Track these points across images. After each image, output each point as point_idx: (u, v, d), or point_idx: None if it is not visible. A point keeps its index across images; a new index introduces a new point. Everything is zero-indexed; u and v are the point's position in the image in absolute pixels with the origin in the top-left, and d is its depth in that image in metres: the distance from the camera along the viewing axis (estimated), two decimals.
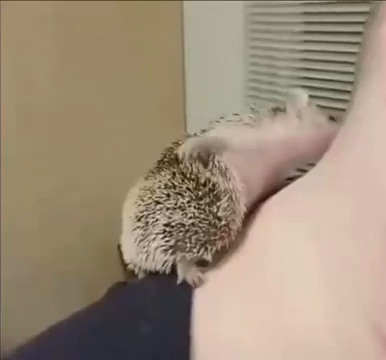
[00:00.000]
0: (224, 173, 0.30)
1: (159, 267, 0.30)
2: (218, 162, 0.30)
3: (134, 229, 0.31)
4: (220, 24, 1.30)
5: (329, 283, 0.25)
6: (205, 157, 0.30)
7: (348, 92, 1.01)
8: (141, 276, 0.32)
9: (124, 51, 1.34)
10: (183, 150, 0.30)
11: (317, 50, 1.09)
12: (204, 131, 0.32)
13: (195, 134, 0.32)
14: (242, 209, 0.30)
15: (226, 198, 0.29)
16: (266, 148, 0.31)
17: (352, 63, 0.98)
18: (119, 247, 0.33)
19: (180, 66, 1.45)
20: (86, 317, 0.29)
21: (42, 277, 1.35)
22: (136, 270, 0.32)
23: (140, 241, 0.30)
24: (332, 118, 0.32)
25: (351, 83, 0.96)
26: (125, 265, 0.32)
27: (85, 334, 0.28)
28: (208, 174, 0.30)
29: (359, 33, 0.95)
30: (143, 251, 0.30)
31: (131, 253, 0.31)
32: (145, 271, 0.32)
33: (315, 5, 1.07)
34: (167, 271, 0.30)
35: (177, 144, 0.32)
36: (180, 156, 0.30)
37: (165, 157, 0.32)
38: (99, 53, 1.30)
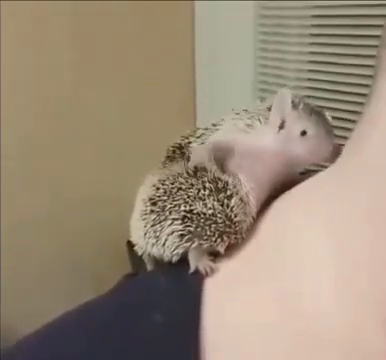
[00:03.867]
0: (233, 176, 0.30)
1: (167, 254, 0.30)
2: (226, 166, 0.30)
3: (147, 213, 0.31)
4: (230, 25, 1.31)
5: (342, 278, 0.25)
6: (217, 162, 0.30)
7: (355, 94, 1.04)
8: (150, 267, 0.33)
9: (136, 50, 1.34)
10: (193, 162, 0.31)
11: (325, 52, 1.10)
12: (214, 125, 0.32)
13: (206, 128, 0.32)
14: (252, 210, 0.30)
15: (237, 198, 0.30)
16: (262, 154, 0.31)
17: (359, 65, 1.00)
18: (128, 243, 0.33)
19: (191, 66, 1.46)
20: (97, 307, 0.29)
21: (51, 269, 1.36)
22: (144, 257, 0.32)
23: (152, 225, 0.30)
24: (304, 132, 0.31)
25: (359, 85, 0.98)
26: (133, 260, 0.33)
27: (97, 324, 0.28)
28: (220, 175, 0.30)
29: (367, 36, 0.97)
30: (153, 236, 0.30)
31: (139, 236, 0.31)
32: (154, 260, 0.32)
33: (324, 8, 1.08)
34: (174, 259, 0.30)
35: (192, 135, 0.33)
36: (192, 168, 0.30)
37: (178, 148, 0.32)
38: (110, 51, 1.31)
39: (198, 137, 0.32)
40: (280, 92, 0.31)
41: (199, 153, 0.31)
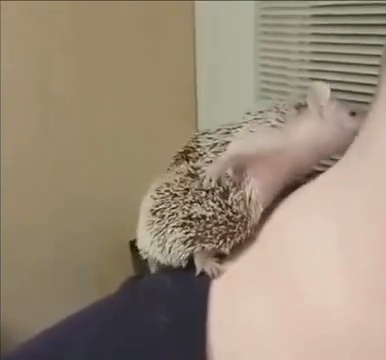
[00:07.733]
0: (244, 180, 0.30)
1: (175, 261, 0.30)
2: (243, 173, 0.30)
3: (150, 223, 0.31)
4: (231, 26, 1.32)
5: (350, 277, 0.24)
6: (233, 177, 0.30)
7: (357, 93, 1.03)
8: (153, 270, 0.33)
9: (136, 50, 1.35)
10: (208, 178, 0.30)
11: (326, 52, 1.10)
12: (233, 127, 0.32)
13: (217, 130, 0.32)
14: (259, 210, 0.30)
15: (234, 194, 0.30)
16: (292, 150, 0.31)
17: (361, 65, 1.00)
18: (130, 244, 0.34)
19: (192, 66, 1.46)
20: (102, 308, 0.30)
21: (53, 270, 1.37)
22: (149, 261, 0.33)
23: (156, 235, 0.30)
24: (353, 113, 0.32)
25: (360, 85, 0.98)
26: (136, 261, 0.33)
27: (101, 324, 0.28)
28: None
29: (368, 35, 0.97)
30: (158, 244, 0.30)
31: (146, 245, 0.32)
32: (158, 263, 0.32)
33: (325, 8, 1.09)
34: (183, 265, 0.30)
35: (193, 140, 0.32)
36: (205, 185, 0.30)
37: (183, 152, 0.32)
38: (111, 52, 1.32)
39: (216, 131, 0.32)
40: (316, 84, 0.32)
41: (212, 171, 0.30)
